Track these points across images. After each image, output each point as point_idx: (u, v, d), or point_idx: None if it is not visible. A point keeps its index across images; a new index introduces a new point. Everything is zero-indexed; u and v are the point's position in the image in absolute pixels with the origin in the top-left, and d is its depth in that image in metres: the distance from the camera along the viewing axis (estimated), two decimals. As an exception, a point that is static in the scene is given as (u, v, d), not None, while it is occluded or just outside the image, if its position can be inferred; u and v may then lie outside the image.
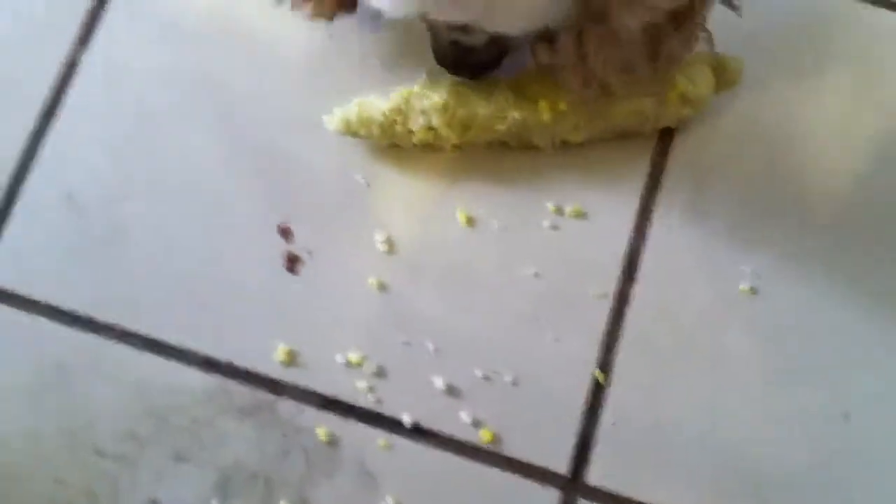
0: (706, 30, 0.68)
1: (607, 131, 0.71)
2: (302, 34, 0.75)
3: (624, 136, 0.72)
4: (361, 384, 0.68)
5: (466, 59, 0.67)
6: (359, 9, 0.70)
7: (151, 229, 0.71)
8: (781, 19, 0.76)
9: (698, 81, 0.70)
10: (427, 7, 0.59)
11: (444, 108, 0.69)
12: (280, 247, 0.70)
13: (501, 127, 0.70)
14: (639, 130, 0.72)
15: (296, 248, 0.70)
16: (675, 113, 0.71)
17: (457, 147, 0.71)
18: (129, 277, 0.70)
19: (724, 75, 0.71)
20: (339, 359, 0.68)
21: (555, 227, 0.71)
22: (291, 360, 0.68)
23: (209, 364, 0.68)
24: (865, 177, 0.73)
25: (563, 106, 0.69)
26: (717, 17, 0.67)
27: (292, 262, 0.70)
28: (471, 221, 0.71)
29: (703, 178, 0.73)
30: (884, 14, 0.77)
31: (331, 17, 0.71)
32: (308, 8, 0.69)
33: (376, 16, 0.63)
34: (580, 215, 0.71)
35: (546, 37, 0.64)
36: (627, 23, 0.60)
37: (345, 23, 0.74)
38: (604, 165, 0.72)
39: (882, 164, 0.73)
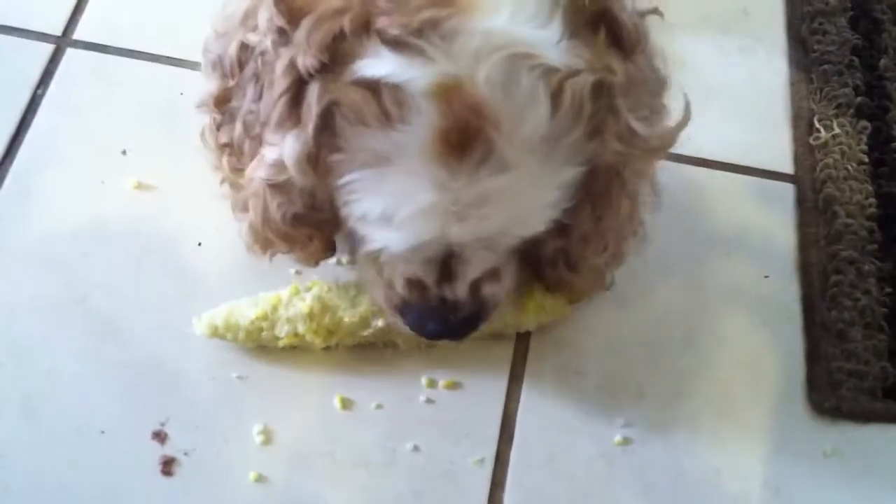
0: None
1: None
2: (171, 243, 0.78)
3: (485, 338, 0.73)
4: (247, 585, 0.65)
5: (452, 317, 0.63)
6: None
7: (25, 450, 0.69)
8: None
9: (556, 294, 0.72)
10: (447, 229, 0.56)
11: (310, 317, 0.70)
12: (155, 451, 0.69)
13: (366, 333, 0.71)
14: (501, 333, 0.74)
15: (171, 450, 0.69)
16: (533, 320, 0.73)
17: (325, 348, 0.72)
18: (6, 499, 0.68)
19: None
20: (223, 561, 0.66)
21: (430, 401, 0.72)
22: (173, 568, 0.66)
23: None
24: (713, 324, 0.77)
25: None
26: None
27: (167, 465, 0.69)
28: (347, 404, 0.72)
29: (568, 338, 0.75)
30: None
31: (316, 264, 0.71)
32: (296, 255, 0.69)
33: (352, 253, 0.65)
34: (454, 386, 0.73)
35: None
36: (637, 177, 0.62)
37: (214, 231, 0.78)
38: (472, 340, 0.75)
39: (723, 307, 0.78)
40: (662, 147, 0.60)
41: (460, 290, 0.62)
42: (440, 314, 0.63)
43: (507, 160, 0.53)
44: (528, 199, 0.56)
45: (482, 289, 0.63)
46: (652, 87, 0.61)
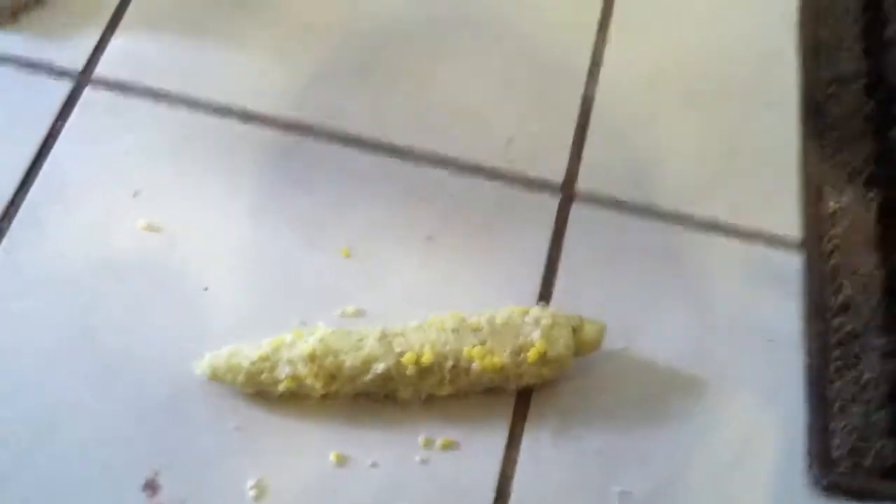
0: None
1: (471, 386, 0.73)
2: (179, 283, 0.78)
3: (488, 392, 0.74)
4: None
5: None
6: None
7: (28, 488, 0.69)
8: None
9: (559, 343, 0.71)
10: None
11: (311, 358, 0.71)
12: (145, 503, 0.69)
13: (366, 378, 0.71)
14: (502, 387, 0.73)
15: (163, 501, 0.69)
16: (535, 372, 0.72)
17: (324, 396, 0.73)
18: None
19: (584, 338, 0.73)
20: None
21: (425, 462, 0.72)
22: None
23: None
24: (715, 392, 0.77)
25: (426, 359, 0.71)
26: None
27: (159, 517, 0.69)
28: (343, 460, 0.72)
29: (568, 403, 0.75)
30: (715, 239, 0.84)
31: None
32: None
33: None
34: (451, 446, 0.73)
35: None
36: None
37: (221, 277, 0.78)
38: (472, 396, 0.74)
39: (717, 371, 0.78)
40: None
41: None
42: None
43: None
44: None
45: None
46: None
